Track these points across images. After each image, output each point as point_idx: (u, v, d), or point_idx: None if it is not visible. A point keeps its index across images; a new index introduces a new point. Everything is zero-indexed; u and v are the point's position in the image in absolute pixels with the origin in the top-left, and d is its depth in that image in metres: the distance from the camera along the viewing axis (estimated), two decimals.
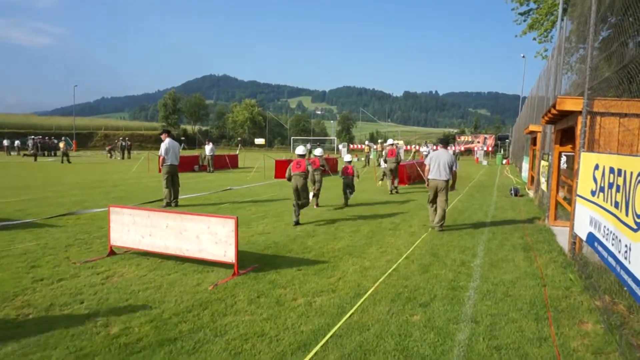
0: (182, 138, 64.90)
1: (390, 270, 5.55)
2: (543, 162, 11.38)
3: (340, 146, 50.69)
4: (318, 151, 13.00)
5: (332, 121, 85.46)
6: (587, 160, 5.26)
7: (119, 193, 13.20)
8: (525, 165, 19.03)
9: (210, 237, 5.34)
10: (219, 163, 25.08)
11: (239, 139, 64.87)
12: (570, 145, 9.08)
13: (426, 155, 13.23)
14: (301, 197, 8.71)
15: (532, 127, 14.43)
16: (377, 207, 10.94)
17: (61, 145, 30.60)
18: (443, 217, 8.14)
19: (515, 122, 37.97)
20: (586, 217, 5.06)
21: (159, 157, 10.58)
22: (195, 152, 29.79)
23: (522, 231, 8.31)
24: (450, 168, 8.17)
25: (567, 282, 5.14)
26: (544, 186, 10.90)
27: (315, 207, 10.84)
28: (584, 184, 5.27)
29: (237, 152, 47.39)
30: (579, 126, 5.72)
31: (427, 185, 8.39)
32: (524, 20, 23.35)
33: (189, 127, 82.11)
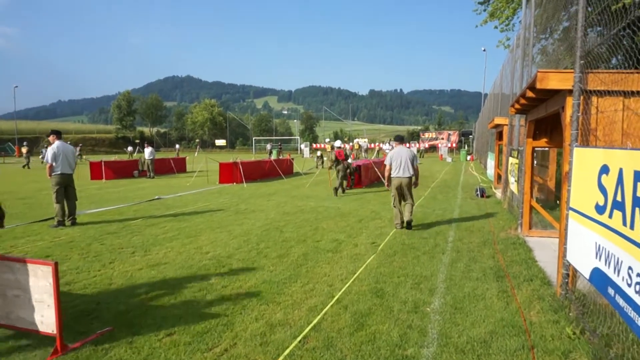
0: (137, 141, 61.48)
1: (308, 329, 3.75)
2: (512, 160, 9.90)
3: (303, 146, 48.88)
4: (338, 143, 14.88)
5: (295, 120, 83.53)
6: (585, 160, 3.62)
7: (18, 208, 10.90)
8: (491, 162, 17.76)
9: (21, 294, 3.39)
10: (163, 167, 22.80)
11: (197, 140, 61.88)
12: (545, 139, 7.57)
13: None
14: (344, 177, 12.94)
15: (497, 120, 13.03)
16: (322, 217, 9.17)
17: (24, 150, 30.90)
18: (411, 212, 7.96)
19: (479, 117, 37.21)
20: (588, 244, 3.41)
21: (47, 166, 8.42)
22: (138, 156, 27.20)
23: (492, 246, 6.71)
24: (412, 164, 7.99)
25: (563, 340, 3.48)
26: (513, 187, 9.41)
27: (342, 193, 13.09)
28: (582, 193, 3.63)
29: (196, 154, 44.87)
30: (569, 111, 4.09)
31: (388, 185, 8.16)
32: (484, 10, 22.28)
33: (146, 130, 78.39)
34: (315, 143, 53.62)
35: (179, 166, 23.88)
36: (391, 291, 4.68)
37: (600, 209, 3.19)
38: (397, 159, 7.95)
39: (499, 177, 15.51)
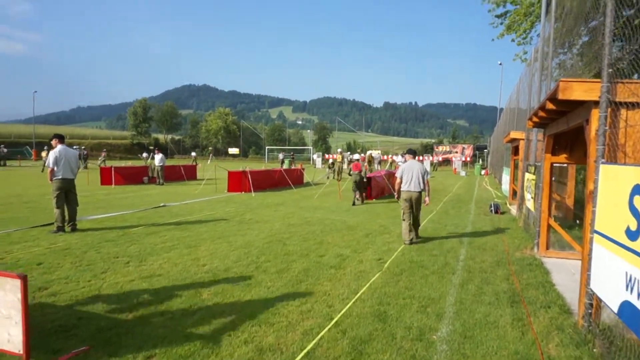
0: (152, 147, 61.98)
1: (300, 356, 3.41)
2: (528, 175, 9.48)
3: (315, 156, 48.65)
4: (356, 156, 15.31)
5: (308, 130, 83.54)
6: (613, 178, 3.25)
7: (22, 212, 10.78)
8: (506, 177, 17.25)
9: None
10: (173, 174, 22.73)
11: (210, 148, 62.10)
12: (565, 155, 7.16)
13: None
14: (359, 187, 13.62)
15: (513, 134, 12.60)
16: (328, 230, 8.83)
17: (43, 154, 31.51)
18: (418, 226, 8.15)
19: (494, 131, 36.61)
20: (617, 273, 3.03)
21: (48, 170, 8.25)
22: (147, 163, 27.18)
23: (506, 267, 6.29)
24: (423, 178, 7.93)
25: None
26: (529, 204, 8.98)
27: (360, 203, 13.59)
28: (610, 215, 3.25)
29: (208, 162, 44.93)
30: (594, 125, 3.72)
31: (398, 198, 8.08)
32: (501, 23, 21.94)
33: (161, 137, 79.11)
34: (327, 154, 53.34)
35: (190, 173, 23.78)
36: (395, 314, 4.31)
37: (632, 235, 2.81)
38: (409, 173, 7.89)
39: (514, 192, 15.02)
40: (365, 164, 38.56)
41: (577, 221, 8.83)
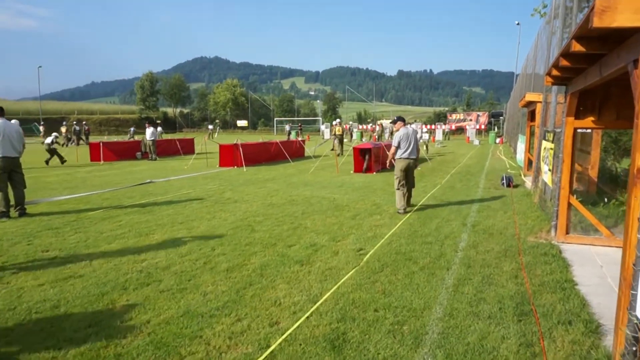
0: (159, 121, 61.19)
1: None
2: (545, 144, 8.11)
3: (323, 127, 47.22)
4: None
5: (318, 101, 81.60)
6: None
7: None
8: (521, 146, 15.77)
9: None
10: (169, 149, 21.73)
11: (217, 121, 60.91)
12: (591, 118, 5.79)
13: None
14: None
15: (529, 97, 11.10)
16: (311, 211, 7.68)
17: (62, 129, 30.69)
18: (410, 197, 7.99)
19: (510, 97, 34.57)
20: None
21: None
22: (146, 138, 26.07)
23: (515, 259, 5.08)
24: (417, 145, 8.03)
25: None
26: (546, 177, 7.65)
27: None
28: None
29: (213, 136, 43.81)
30: None
31: (390, 165, 8.21)
32: None
33: (169, 110, 78.24)
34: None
35: (187, 148, 22.74)
36: (357, 339, 3.17)
37: None
38: (407, 140, 7.73)
39: (529, 163, 13.61)
40: (375, 134, 37.20)
41: (605, 199, 7.51)
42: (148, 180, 11.87)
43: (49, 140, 17.02)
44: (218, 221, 7.01)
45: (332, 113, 69.79)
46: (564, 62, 4.14)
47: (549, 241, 5.88)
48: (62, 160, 17.11)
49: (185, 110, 79.98)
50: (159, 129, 45.04)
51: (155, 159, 19.17)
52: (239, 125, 68.61)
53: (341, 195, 9.46)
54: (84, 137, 33.26)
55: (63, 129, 30.98)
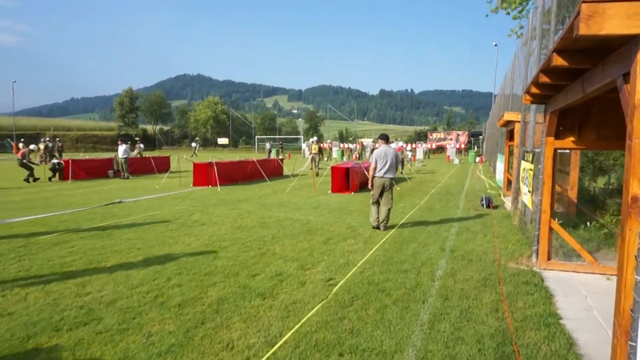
0: (137, 139, 60.15)
1: None
2: (524, 164, 7.88)
3: (304, 145, 46.97)
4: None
5: (299, 119, 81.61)
6: None
7: None
8: (500, 165, 15.68)
9: None
10: (144, 167, 21.07)
11: (197, 138, 60.11)
12: (572, 138, 5.55)
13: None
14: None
15: (507, 116, 10.97)
16: (282, 235, 7.25)
17: (41, 146, 28.64)
18: (388, 216, 7.81)
19: (489, 117, 34.97)
20: None
21: None
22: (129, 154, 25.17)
23: (496, 289, 4.72)
24: (396, 164, 7.87)
25: None
26: (526, 199, 7.39)
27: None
28: None
29: (192, 155, 43.01)
30: None
31: (371, 185, 7.85)
32: None
33: (149, 127, 77.13)
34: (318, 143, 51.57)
35: (162, 166, 22.08)
36: None
37: None
38: (383, 159, 7.70)
39: (509, 182, 13.47)
40: (355, 153, 37.09)
41: (587, 223, 7.28)
42: (117, 200, 11.27)
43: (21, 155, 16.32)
44: (180, 247, 6.51)
45: (313, 131, 69.77)
46: (544, 79, 3.87)
47: (530, 268, 5.57)
48: (34, 178, 16.35)
49: (166, 128, 78.94)
50: (141, 145, 44.21)
51: (128, 177, 18.49)
52: (219, 142, 67.88)
53: (316, 217, 9.05)
54: (56, 154, 32.27)
55: (41, 146, 29.92)
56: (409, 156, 28.83)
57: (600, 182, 13.81)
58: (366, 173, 13.49)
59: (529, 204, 7.01)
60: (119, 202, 11.05)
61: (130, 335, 3.53)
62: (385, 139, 8.08)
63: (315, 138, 22.34)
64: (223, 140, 67.76)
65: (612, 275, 5.28)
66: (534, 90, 4.72)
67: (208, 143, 69.33)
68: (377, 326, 3.73)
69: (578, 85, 3.52)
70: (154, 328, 3.67)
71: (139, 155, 30.41)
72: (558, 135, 5.53)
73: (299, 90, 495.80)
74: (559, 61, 3.05)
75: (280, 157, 36.14)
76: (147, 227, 7.91)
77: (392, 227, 7.96)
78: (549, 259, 5.58)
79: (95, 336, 3.52)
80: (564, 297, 4.57)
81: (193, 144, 49.30)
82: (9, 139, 56.44)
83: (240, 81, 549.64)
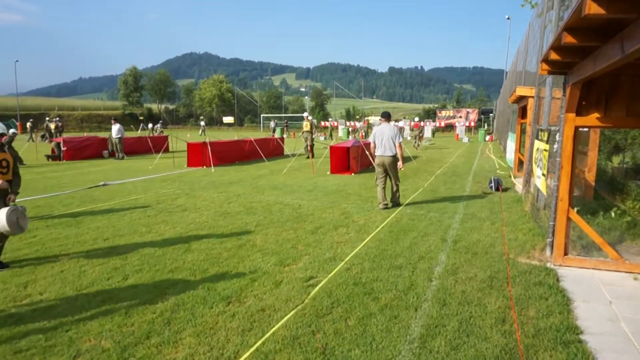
0: (141, 118, 59.57)
1: None
2: (538, 144, 7.07)
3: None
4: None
5: (306, 97, 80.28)
6: None
7: None
8: (511, 144, 14.80)
9: None
10: (140, 147, 20.45)
11: (201, 117, 59.26)
12: (597, 114, 4.74)
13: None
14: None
15: (520, 91, 10.08)
16: (268, 222, 6.58)
17: (52, 125, 28.20)
18: (396, 193, 7.85)
19: (500, 94, 33.69)
20: None
21: None
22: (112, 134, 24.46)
23: (503, 291, 4.02)
24: (394, 142, 7.61)
25: None
26: (539, 183, 6.62)
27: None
28: None
29: (200, 134, 42.33)
30: None
31: (374, 163, 7.89)
32: None
33: (154, 106, 76.49)
34: (324, 121, 50.52)
35: (160, 146, 21.42)
36: None
37: None
38: (379, 138, 7.64)
39: (520, 163, 12.63)
40: (362, 132, 36.19)
41: (609, 211, 6.50)
42: (101, 183, 10.68)
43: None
44: (152, 236, 5.87)
45: (320, 110, 68.60)
46: (568, 39, 3.08)
47: (544, 263, 4.85)
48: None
49: (171, 107, 78.22)
50: (159, 124, 43.71)
51: (123, 158, 17.90)
52: (225, 121, 67.11)
53: (309, 201, 8.36)
54: (58, 134, 31.79)
55: (52, 125, 29.71)
56: (408, 138, 27.98)
57: (616, 160, 12.94)
58: (367, 152, 12.74)
59: (543, 189, 6.25)
60: (103, 185, 10.47)
61: (52, 356, 2.90)
62: (387, 116, 7.97)
63: (306, 114, 18.96)
64: (228, 119, 66.95)
65: (639, 273, 4.56)
66: (554, 56, 3.92)
67: (213, 122, 68.55)
68: (356, 343, 3.07)
69: (614, 45, 2.73)
70: (85, 345, 3.05)
71: (161, 133, 32.57)
72: (580, 112, 4.73)
73: (307, 68, 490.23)
74: (593, 9, 2.27)
75: (284, 135, 35.42)
76: (124, 214, 7.28)
77: (401, 203, 8.10)
78: (565, 254, 4.85)
79: (12, 356, 2.90)
80: (584, 302, 3.86)
81: (202, 123, 48.54)
82: (13, 120, 56.21)
83: (248, 59, 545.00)
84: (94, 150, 18.56)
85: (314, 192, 9.43)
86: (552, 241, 5.02)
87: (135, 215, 7.15)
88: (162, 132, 36.89)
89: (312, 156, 16.14)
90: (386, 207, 7.61)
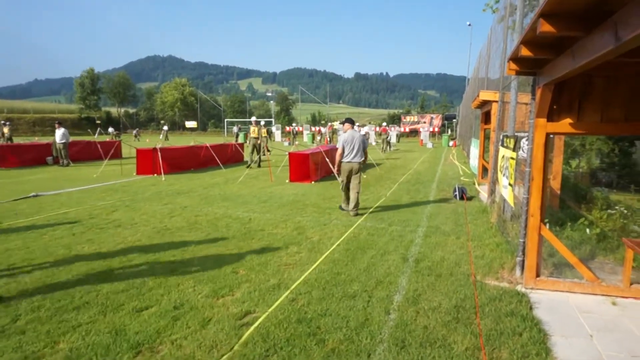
0: (98, 122, 57.09)
1: None
2: (504, 151, 6.63)
3: (274, 128, 45.27)
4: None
5: (271, 102, 79.37)
6: None
7: None
8: (475, 151, 14.56)
9: None
10: (89, 154, 19.12)
11: (162, 121, 57.39)
12: (569, 120, 4.27)
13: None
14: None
15: (483, 95, 9.72)
16: (210, 240, 5.83)
17: (5, 130, 25.96)
18: (357, 201, 7.59)
19: (463, 99, 34.01)
20: None
21: None
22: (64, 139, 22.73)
23: (471, 325, 3.44)
24: (364, 149, 7.60)
25: None
26: (505, 193, 6.16)
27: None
28: None
29: (164, 139, 40.70)
30: None
31: (338, 170, 7.73)
32: None
33: (113, 110, 73.72)
34: (289, 126, 49.80)
35: (114, 152, 20.10)
36: None
37: None
38: (351, 144, 7.46)
39: (484, 169, 12.36)
40: (327, 137, 35.67)
41: (580, 223, 6.10)
42: (32, 194, 9.59)
43: None
44: (68, 260, 5.01)
45: (285, 114, 67.81)
46: (546, 27, 2.52)
47: (514, 286, 4.33)
48: None
49: (131, 110, 75.56)
50: (110, 129, 41.60)
51: (68, 164, 16.61)
52: (187, 126, 65.34)
53: (261, 214, 7.64)
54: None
55: (6, 129, 27.45)
56: (374, 143, 27.72)
57: (573, 164, 12.87)
58: (327, 158, 12.14)
59: (510, 200, 5.78)
60: (34, 196, 9.39)
61: None
62: (351, 122, 7.92)
63: (253, 118, 17.54)
64: (191, 124, 65.23)
65: (617, 297, 4.10)
66: (525, 52, 3.39)
67: (176, 126, 66.63)
68: None
69: (603, 33, 2.18)
70: None
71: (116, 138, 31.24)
72: (551, 117, 4.25)
73: (273, 72, 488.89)
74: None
75: (247, 141, 34.46)
76: (45, 231, 6.34)
77: (363, 212, 7.89)
78: (537, 275, 4.34)
79: None
80: (562, 337, 3.33)
81: (165, 128, 46.84)
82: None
83: (214, 63, 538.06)
84: (38, 156, 17.13)
85: (268, 203, 8.72)
86: (523, 260, 4.52)
87: (57, 234, 6.22)
88: (117, 136, 35.59)
89: (258, 166, 15.25)
90: (356, 215, 7.52)
